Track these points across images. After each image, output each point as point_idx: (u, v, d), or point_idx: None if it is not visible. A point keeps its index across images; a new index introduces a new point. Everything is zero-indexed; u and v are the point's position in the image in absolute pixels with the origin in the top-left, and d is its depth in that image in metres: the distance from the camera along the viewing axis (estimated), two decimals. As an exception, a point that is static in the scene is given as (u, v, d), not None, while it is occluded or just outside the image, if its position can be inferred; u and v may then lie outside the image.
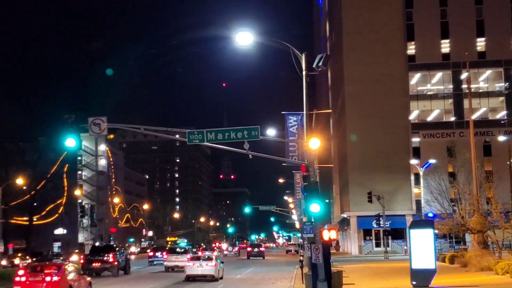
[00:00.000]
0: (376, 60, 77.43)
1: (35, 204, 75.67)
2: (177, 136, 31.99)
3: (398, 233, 75.51)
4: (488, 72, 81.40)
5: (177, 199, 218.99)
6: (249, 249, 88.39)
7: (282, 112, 33.29)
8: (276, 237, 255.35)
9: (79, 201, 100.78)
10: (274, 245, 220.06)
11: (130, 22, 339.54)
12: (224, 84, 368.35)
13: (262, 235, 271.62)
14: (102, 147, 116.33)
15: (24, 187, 72.38)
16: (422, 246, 26.36)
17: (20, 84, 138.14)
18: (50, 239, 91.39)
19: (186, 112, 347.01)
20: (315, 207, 23.84)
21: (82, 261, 47.14)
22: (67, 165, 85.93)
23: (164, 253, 58.65)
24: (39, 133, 79.13)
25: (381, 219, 68.94)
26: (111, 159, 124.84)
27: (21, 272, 28.25)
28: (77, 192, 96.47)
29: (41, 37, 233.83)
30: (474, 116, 68.41)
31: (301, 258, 39.84)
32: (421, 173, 69.39)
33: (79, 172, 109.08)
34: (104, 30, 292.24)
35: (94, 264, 44.58)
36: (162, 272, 50.48)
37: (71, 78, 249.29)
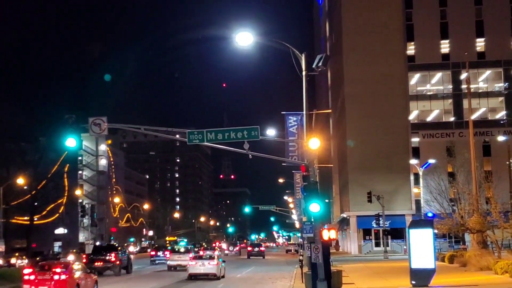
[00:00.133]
0: (376, 60, 77.55)
1: (36, 203, 75.75)
2: (177, 136, 32.05)
3: (397, 233, 75.59)
4: (488, 72, 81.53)
5: (178, 199, 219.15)
6: (249, 248, 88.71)
7: (282, 112, 33.44)
8: (276, 236, 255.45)
9: (80, 200, 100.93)
10: (274, 244, 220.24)
11: (130, 22, 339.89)
12: (224, 85, 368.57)
13: (262, 235, 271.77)
14: (103, 147, 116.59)
15: (25, 187, 72.49)
16: (422, 246, 26.43)
17: (20, 84, 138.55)
18: (50, 239, 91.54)
19: (186, 112, 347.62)
20: (315, 207, 23.93)
21: (84, 260, 47.36)
22: (68, 165, 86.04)
23: (167, 252, 59.21)
24: (40, 133, 79.19)
25: (380, 219, 69.04)
26: (112, 159, 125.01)
27: (28, 270, 28.69)
28: (78, 192, 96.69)
29: (41, 37, 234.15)
30: (474, 116, 68.46)
31: (301, 257, 39.90)
32: (420, 173, 69.53)
33: (80, 172, 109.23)
34: (105, 30, 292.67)
35: (96, 264, 44.84)
36: (165, 271, 50.84)
37: (71, 78, 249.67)
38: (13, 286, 34.50)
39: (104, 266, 45.38)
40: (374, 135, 77.14)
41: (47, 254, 73.62)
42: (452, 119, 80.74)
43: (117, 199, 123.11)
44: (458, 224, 47.82)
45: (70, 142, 29.08)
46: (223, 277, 40.81)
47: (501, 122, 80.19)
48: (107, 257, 45.78)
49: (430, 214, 55.43)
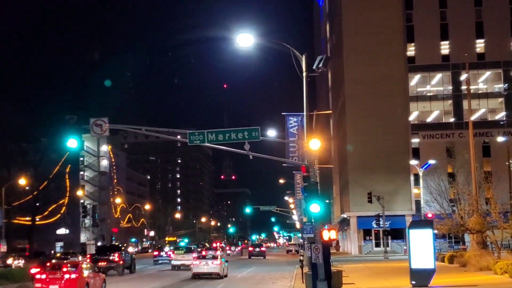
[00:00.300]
0: (376, 61, 77.73)
1: (37, 204, 75.89)
2: (178, 137, 32.16)
3: (397, 233, 75.71)
4: (488, 73, 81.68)
5: (179, 200, 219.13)
6: (250, 249, 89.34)
7: (282, 113, 33.67)
8: (276, 237, 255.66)
9: (81, 201, 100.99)
10: (275, 245, 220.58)
11: (130, 23, 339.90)
12: (225, 86, 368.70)
13: (263, 235, 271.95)
14: (104, 147, 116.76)
15: (27, 188, 72.58)
16: (422, 246, 26.51)
17: (21, 84, 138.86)
18: (52, 239, 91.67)
19: (187, 113, 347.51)
20: (315, 207, 24.08)
21: (88, 260, 47.68)
22: (69, 165, 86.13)
23: (170, 252, 59.76)
24: (41, 134, 79.38)
25: (381, 219, 69.18)
26: (113, 160, 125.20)
27: (35, 270, 29.14)
28: (79, 192, 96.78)
29: (41, 38, 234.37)
30: (474, 117, 68.67)
31: (301, 258, 40.12)
32: (420, 174, 69.66)
33: (81, 173, 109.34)
34: (105, 31, 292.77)
35: (100, 263, 45.07)
36: (169, 270, 51.48)
37: (72, 79, 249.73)
38: (20, 285, 34.97)
39: (107, 266, 45.61)
40: (374, 135, 77.30)
41: (49, 254, 73.72)
42: (452, 120, 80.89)
43: (118, 200, 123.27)
44: (458, 224, 47.93)
45: (72, 143, 29.29)
46: (225, 276, 41.52)
47: (501, 123, 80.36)
48: (111, 257, 46.14)
49: (430, 215, 55.65)
